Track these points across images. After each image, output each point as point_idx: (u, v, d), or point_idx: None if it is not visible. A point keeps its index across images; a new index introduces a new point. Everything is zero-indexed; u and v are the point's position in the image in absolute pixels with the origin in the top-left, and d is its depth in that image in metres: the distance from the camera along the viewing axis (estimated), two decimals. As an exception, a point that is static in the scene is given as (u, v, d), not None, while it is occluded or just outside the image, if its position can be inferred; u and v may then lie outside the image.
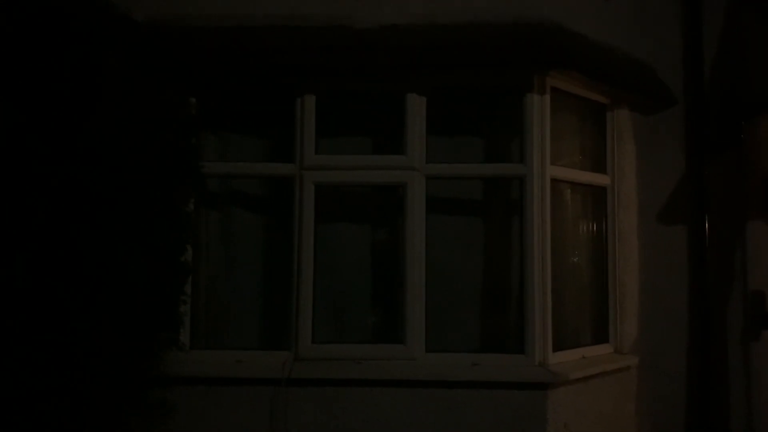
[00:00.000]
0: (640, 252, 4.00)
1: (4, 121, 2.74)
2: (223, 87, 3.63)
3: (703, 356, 3.92)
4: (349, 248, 3.63)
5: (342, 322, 3.60)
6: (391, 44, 3.41)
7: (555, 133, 3.64)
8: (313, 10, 3.50)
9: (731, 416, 3.94)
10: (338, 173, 3.52)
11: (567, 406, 3.43)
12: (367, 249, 3.68)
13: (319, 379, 3.34)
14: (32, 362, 2.68)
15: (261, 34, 3.45)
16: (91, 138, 2.87)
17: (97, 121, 2.89)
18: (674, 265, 4.00)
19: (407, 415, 3.33)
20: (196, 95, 3.56)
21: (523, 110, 3.52)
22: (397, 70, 3.47)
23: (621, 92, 3.90)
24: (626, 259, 3.96)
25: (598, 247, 4.00)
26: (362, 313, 3.64)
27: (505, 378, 3.34)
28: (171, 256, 3.24)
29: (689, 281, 4.00)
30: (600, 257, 3.99)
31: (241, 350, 3.48)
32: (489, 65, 3.50)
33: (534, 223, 3.48)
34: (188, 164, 3.38)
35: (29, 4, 2.82)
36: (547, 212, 3.52)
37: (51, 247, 2.76)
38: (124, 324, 2.93)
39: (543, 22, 3.49)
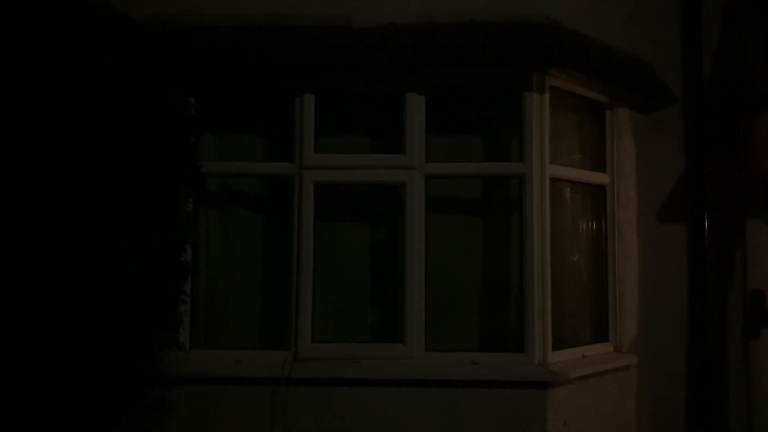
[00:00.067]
0: (639, 251, 4.00)
1: (2, 120, 2.74)
2: (223, 86, 3.63)
3: (703, 355, 3.92)
4: (348, 247, 3.63)
5: (341, 322, 3.60)
6: (391, 43, 3.41)
7: (554, 131, 3.64)
8: (312, 9, 3.50)
9: (731, 414, 3.94)
10: (337, 172, 3.52)
11: (567, 405, 3.43)
12: (367, 248, 3.67)
13: (319, 378, 3.34)
14: (32, 362, 2.68)
15: (260, 34, 3.45)
16: (90, 138, 2.86)
17: (95, 120, 2.89)
18: (674, 263, 4.00)
19: (407, 414, 3.33)
20: (196, 95, 3.56)
21: (523, 109, 3.52)
22: (397, 70, 3.47)
23: (620, 91, 3.90)
24: (626, 257, 3.96)
25: (597, 246, 4.00)
26: (362, 313, 3.63)
27: (505, 377, 3.34)
28: (170, 256, 3.24)
29: (689, 280, 4.00)
30: (599, 256, 3.99)
31: (241, 350, 3.48)
32: (488, 64, 3.49)
33: (533, 222, 3.48)
34: (187, 164, 3.38)
35: (27, 4, 2.81)
36: (546, 211, 3.52)
37: (50, 247, 2.76)
38: (124, 324, 2.93)
39: (542, 21, 3.50)
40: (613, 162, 4.01)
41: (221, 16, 3.48)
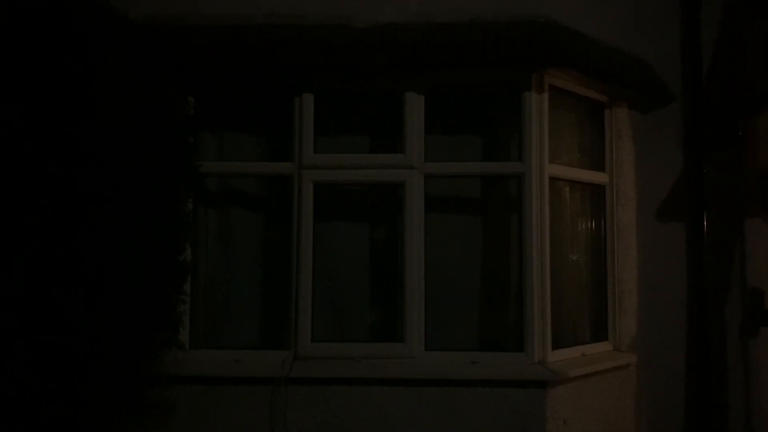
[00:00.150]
0: (638, 249, 4.00)
1: (2, 120, 2.74)
2: (222, 86, 3.63)
3: (702, 353, 3.93)
4: (348, 247, 3.63)
5: (341, 321, 3.60)
6: (390, 43, 3.41)
7: (553, 131, 3.64)
8: (312, 9, 3.50)
9: (730, 412, 3.95)
10: (337, 172, 3.52)
11: (566, 403, 3.43)
12: (366, 248, 3.67)
13: (319, 378, 3.34)
14: (31, 362, 2.68)
15: (260, 33, 3.45)
16: (90, 138, 2.86)
17: (95, 120, 2.89)
18: (673, 262, 4.01)
19: (407, 413, 3.33)
20: (195, 94, 3.56)
21: (522, 108, 3.52)
22: (396, 69, 3.47)
23: (620, 90, 3.90)
24: (625, 256, 3.96)
25: (596, 245, 4.00)
26: (361, 312, 3.64)
27: (505, 376, 3.34)
28: (170, 256, 3.25)
29: (688, 278, 4.00)
30: (599, 255, 3.99)
31: (241, 350, 3.48)
32: (487, 63, 3.49)
33: (533, 221, 3.48)
34: (187, 164, 3.38)
35: (27, 4, 2.81)
36: (545, 210, 3.52)
37: (49, 247, 2.76)
38: (124, 324, 2.94)
39: (541, 20, 3.50)
40: (612, 161, 4.02)
41: (221, 16, 3.48)
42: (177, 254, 3.29)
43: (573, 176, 3.82)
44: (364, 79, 3.54)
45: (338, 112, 3.64)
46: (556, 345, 3.54)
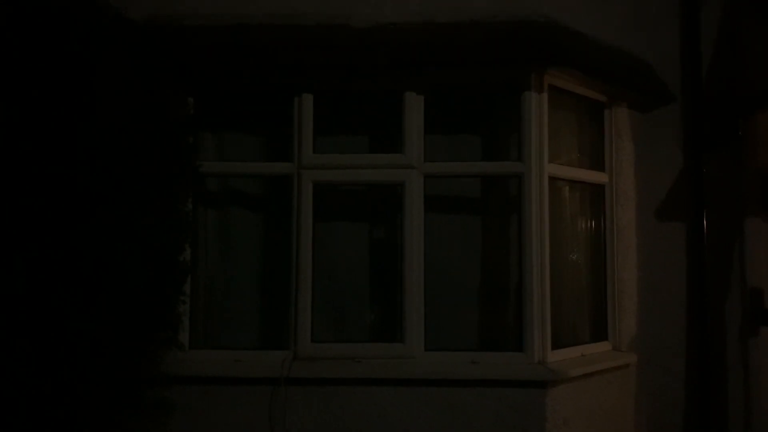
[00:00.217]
0: (638, 249, 4.00)
1: (1, 121, 2.74)
2: (221, 86, 3.63)
3: (702, 353, 3.93)
4: (347, 247, 3.63)
5: (341, 321, 3.60)
6: (390, 43, 3.41)
7: (553, 131, 3.64)
8: (312, 9, 3.50)
9: (730, 412, 3.94)
10: (336, 172, 3.52)
11: (566, 403, 3.43)
12: (366, 248, 3.68)
13: (319, 378, 3.34)
14: (31, 362, 2.68)
15: (259, 33, 3.45)
16: (89, 138, 2.86)
17: (95, 120, 2.89)
18: (673, 262, 4.01)
19: (407, 413, 3.34)
20: (194, 94, 3.56)
21: (521, 108, 3.52)
22: (396, 69, 3.47)
23: (619, 90, 3.90)
24: (625, 256, 3.96)
25: (596, 245, 4.00)
26: (361, 312, 3.64)
27: (504, 376, 3.34)
28: (169, 256, 3.24)
29: (688, 278, 4.00)
30: (598, 255, 3.99)
31: (240, 350, 3.49)
32: (487, 63, 3.50)
33: (532, 221, 3.48)
34: (186, 164, 3.38)
35: (27, 4, 2.81)
36: (545, 210, 3.52)
37: (49, 247, 2.75)
38: (123, 324, 2.93)
39: (541, 20, 3.50)
40: (612, 161, 4.02)
41: (220, 16, 3.48)
42: (177, 254, 3.29)
43: (573, 176, 3.82)
44: (364, 79, 3.54)
45: (338, 112, 3.64)
46: (556, 345, 3.54)
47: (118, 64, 3.00)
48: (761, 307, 4.03)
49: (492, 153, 3.75)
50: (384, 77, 3.51)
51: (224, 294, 3.68)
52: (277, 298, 3.51)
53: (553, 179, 3.62)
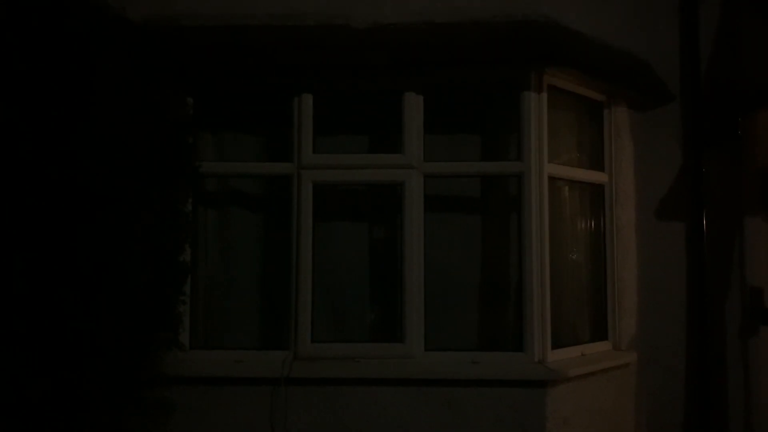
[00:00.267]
0: (638, 248, 4.00)
1: (1, 121, 2.74)
2: (221, 86, 3.63)
3: (702, 352, 3.93)
4: (347, 247, 3.63)
5: (341, 321, 3.60)
6: (389, 43, 3.40)
7: (553, 130, 3.65)
8: (311, 9, 3.48)
9: (730, 411, 3.95)
10: (336, 172, 3.52)
11: (566, 403, 3.43)
12: (366, 247, 3.68)
13: (319, 378, 3.34)
14: (31, 362, 2.68)
15: (259, 34, 3.44)
16: (89, 138, 2.86)
17: (93, 121, 2.89)
18: (672, 261, 4.01)
19: (407, 413, 3.34)
20: (194, 95, 3.56)
21: (521, 108, 3.52)
22: (395, 69, 3.48)
23: (618, 89, 3.90)
24: (624, 255, 3.96)
25: (596, 244, 4.00)
26: (361, 312, 3.64)
27: (505, 376, 3.34)
28: (170, 256, 3.25)
29: (687, 277, 4.00)
30: (598, 254, 3.99)
31: (241, 350, 3.48)
32: (486, 63, 3.50)
33: (532, 220, 3.48)
34: (186, 164, 3.38)
35: (26, 4, 2.81)
36: (545, 210, 3.52)
37: (49, 247, 2.76)
38: (124, 324, 2.94)
39: (540, 20, 3.49)
40: (611, 160, 4.02)
41: (220, 16, 3.47)
42: (177, 255, 3.30)
43: (572, 176, 3.83)
44: (364, 79, 3.54)
45: (337, 112, 3.64)
46: (556, 344, 3.54)
47: (118, 65, 3.00)
48: (761, 306, 4.03)
49: (492, 153, 3.75)
50: (384, 77, 3.51)
51: (224, 294, 3.68)
52: (277, 298, 3.51)
53: (552, 179, 3.62)
